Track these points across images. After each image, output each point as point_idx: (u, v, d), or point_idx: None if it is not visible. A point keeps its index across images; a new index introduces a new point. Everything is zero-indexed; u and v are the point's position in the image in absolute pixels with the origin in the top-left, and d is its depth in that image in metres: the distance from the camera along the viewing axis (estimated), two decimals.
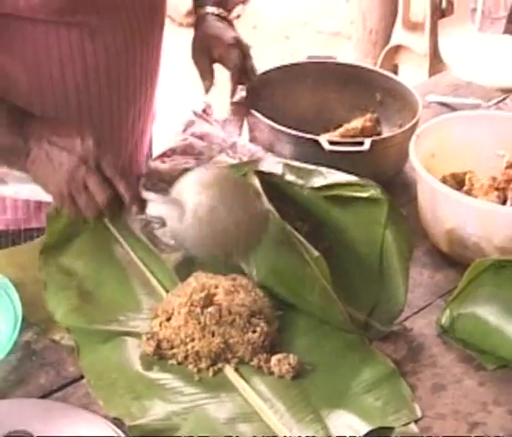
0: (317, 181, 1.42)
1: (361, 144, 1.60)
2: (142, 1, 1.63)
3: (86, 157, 1.38)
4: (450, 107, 2.02)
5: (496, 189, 1.59)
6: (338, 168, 1.46)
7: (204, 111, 1.76)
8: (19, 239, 1.68)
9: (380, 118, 1.85)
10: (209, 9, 1.87)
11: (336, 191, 1.41)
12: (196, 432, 1.14)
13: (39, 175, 1.43)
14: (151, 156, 1.85)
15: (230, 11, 1.88)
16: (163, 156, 1.69)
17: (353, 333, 1.33)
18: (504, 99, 2.07)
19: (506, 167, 1.62)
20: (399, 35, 3.53)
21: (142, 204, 1.36)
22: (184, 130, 1.73)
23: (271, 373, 1.25)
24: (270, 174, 1.43)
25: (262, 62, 1.81)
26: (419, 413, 1.20)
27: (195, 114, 1.75)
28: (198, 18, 1.90)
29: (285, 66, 1.79)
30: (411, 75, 3.57)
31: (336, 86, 1.87)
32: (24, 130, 1.42)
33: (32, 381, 1.23)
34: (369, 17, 3.73)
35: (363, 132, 1.78)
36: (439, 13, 3.55)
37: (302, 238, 1.33)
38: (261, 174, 1.42)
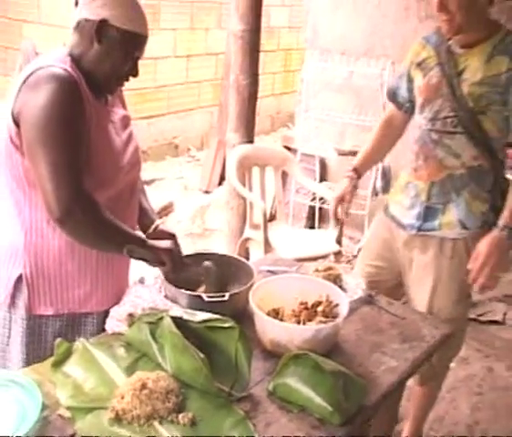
0: (199, 318, 1.47)
1: (224, 296, 1.64)
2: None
3: (178, 244, 1.68)
4: (272, 273, 2.02)
5: (295, 316, 1.67)
6: (213, 309, 1.52)
7: (140, 282, 1.75)
8: (74, 321, 1.66)
9: (236, 282, 1.80)
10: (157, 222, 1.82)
11: (210, 323, 1.46)
12: None
13: (146, 252, 1.58)
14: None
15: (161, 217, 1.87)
16: (119, 305, 1.67)
17: (223, 398, 1.37)
18: (300, 266, 2.10)
19: (299, 304, 1.69)
20: (248, 232, 3.57)
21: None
22: (129, 293, 1.72)
23: (179, 423, 1.28)
24: (176, 316, 1.47)
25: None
26: None
27: (135, 283, 1.75)
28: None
29: (186, 255, 1.75)
30: (255, 254, 3.64)
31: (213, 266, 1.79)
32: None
33: None
34: (231, 221, 3.80)
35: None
36: (269, 218, 3.63)
37: (194, 348, 1.37)
38: (171, 317, 1.46)
